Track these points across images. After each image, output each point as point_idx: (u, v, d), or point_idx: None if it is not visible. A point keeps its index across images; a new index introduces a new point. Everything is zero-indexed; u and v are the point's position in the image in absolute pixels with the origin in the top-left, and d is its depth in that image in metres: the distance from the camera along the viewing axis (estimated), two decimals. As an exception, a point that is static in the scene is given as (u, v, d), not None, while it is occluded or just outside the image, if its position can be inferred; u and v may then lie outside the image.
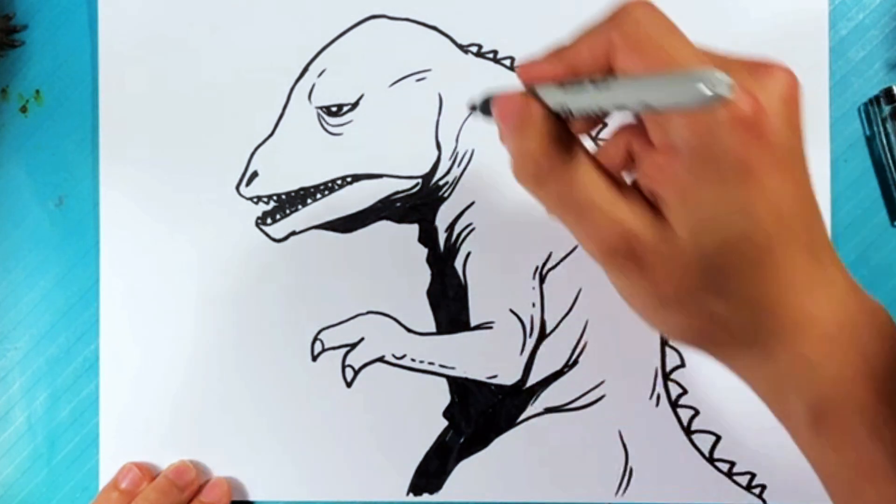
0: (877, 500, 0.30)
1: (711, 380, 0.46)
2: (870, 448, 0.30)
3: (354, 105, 0.47)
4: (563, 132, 0.30)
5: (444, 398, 0.47)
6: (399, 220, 0.47)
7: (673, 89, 0.26)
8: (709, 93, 0.25)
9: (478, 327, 0.47)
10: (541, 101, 0.30)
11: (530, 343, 0.46)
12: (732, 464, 0.46)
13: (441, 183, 0.47)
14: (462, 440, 0.47)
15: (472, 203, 0.47)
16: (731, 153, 0.27)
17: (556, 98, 0.29)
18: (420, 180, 0.47)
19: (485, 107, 0.32)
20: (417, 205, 0.47)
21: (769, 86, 0.28)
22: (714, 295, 0.29)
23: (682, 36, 0.29)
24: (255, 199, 0.47)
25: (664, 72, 0.27)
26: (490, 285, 0.46)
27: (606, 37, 0.29)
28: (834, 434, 0.30)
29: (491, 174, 0.46)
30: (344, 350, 0.47)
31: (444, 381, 0.47)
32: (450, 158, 0.46)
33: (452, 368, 0.47)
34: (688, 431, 0.46)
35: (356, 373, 0.47)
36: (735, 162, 0.28)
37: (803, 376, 0.30)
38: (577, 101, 0.29)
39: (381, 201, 0.47)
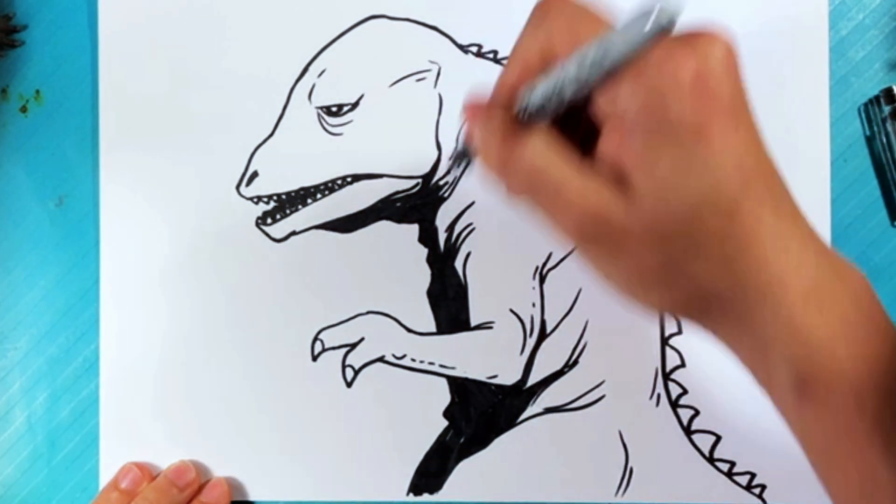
0: (855, 471, 0.30)
1: (711, 380, 0.46)
2: (853, 416, 0.29)
3: (354, 105, 0.47)
4: (522, 125, 0.31)
5: (444, 398, 0.47)
6: (399, 220, 0.47)
7: (617, 42, 0.27)
8: (654, 24, 0.26)
9: (478, 327, 0.47)
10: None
11: (530, 343, 0.46)
12: (732, 464, 0.46)
13: (441, 183, 0.47)
14: (462, 440, 0.47)
15: (472, 203, 0.47)
16: (682, 115, 0.28)
17: (518, 102, 0.31)
18: (420, 180, 0.47)
19: (461, 153, 0.35)
20: (417, 205, 0.47)
21: (708, 50, 0.29)
22: (690, 261, 0.29)
23: (606, 11, 0.30)
24: (255, 199, 0.47)
25: (602, 37, 0.28)
26: (490, 285, 0.46)
27: (542, 33, 0.31)
28: (817, 400, 0.30)
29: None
30: (344, 350, 0.47)
31: (444, 381, 0.47)
32: (450, 158, 0.46)
33: (452, 368, 0.47)
34: (688, 431, 0.46)
35: (356, 373, 0.47)
36: (688, 123, 0.28)
37: (787, 337, 0.30)
38: (534, 93, 0.30)
39: (381, 201, 0.47)
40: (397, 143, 0.46)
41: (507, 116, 0.31)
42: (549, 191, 0.30)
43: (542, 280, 0.46)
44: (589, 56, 0.28)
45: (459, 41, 0.47)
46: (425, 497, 0.46)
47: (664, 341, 0.46)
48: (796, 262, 0.29)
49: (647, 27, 0.26)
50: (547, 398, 0.46)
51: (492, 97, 0.32)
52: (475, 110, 0.32)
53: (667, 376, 0.46)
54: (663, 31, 0.26)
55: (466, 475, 0.46)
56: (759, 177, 0.29)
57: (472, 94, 0.33)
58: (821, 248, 0.30)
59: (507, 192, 0.32)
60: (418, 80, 0.47)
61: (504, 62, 0.46)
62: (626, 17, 0.28)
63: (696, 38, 0.29)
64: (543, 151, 0.30)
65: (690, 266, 0.30)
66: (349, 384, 0.47)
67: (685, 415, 0.46)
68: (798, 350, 0.29)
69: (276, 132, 0.47)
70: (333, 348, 0.47)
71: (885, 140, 0.45)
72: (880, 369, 0.29)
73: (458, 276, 0.47)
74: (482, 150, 0.32)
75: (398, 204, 0.47)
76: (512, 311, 0.46)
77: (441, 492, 0.46)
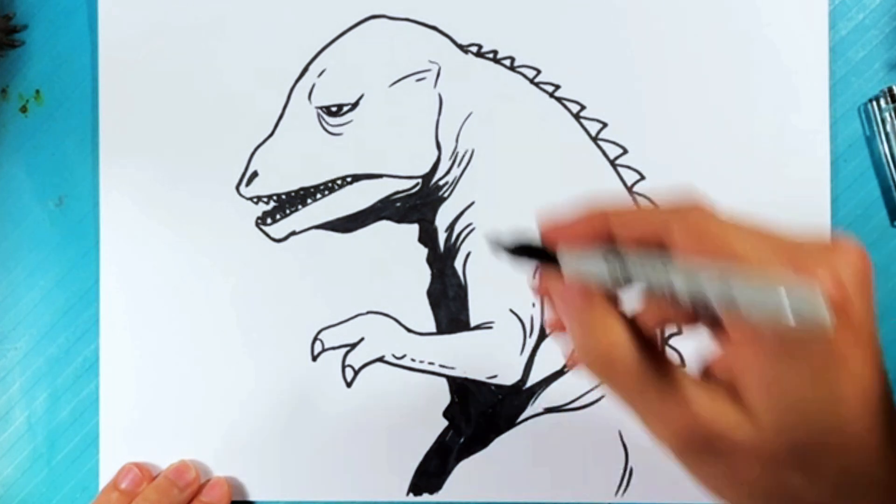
0: None
1: (711, 380, 0.46)
2: None
3: (354, 105, 0.47)
4: (635, 328, 0.29)
5: (444, 398, 0.47)
6: (399, 220, 0.47)
7: (758, 295, 0.25)
8: (803, 314, 0.24)
9: (478, 327, 0.47)
10: (591, 279, 0.28)
11: (530, 343, 0.46)
12: (732, 464, 0.46)
13: (441, 183, 0.47)
14: (462, 440, 0.47)
15: (472, 203, 0.47)
16: (819, 339, 0.26)
17: (598, 268, 0.28)
18: (420, 180, 0.47)
19: (515, 249, 0.30)
20: (417, 205, 0.47)
21: (844, 266, 0.27)
22: (798, 473, 0.28)
23: (747, 227, 0.28)
24: (255, 199, 0.47)
25: (747, 268, 0.26)
26: (490, 285, 0.46)
27: (662, 217, 0.28)
28: None
29: (491, 174, 0.46)
30: (344, 350, 0.47)
31: (444, 381, 0.47)
32: (450, 158, 0.46)
33: (452, 368, 0.46)
34: (688, 431, 0.46)
35: (356, 373, 0.47)
36: (823, 347, 0.27)
37: None
38: (642, 273, 0.27)
39: (381, 201, 0.47)
40: (397, 143, 0.46)
41: (618, 322, 0.29)
42: (659, 397, 0.29)
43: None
44: (724, 287, 0.26)
45: (459, 41, 0.47)
46: (425, 497, 0.46)
47: (664, 341, 0.46)
48: None
49: (804, 316, 0.24)
50: (547, 398, 0.46)
51: (589, 300, 0.29)
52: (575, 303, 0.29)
53: (667, 376, 0.46)
54: (816, 324, 0.24)
55: (466, 475, 0.46)
56: (880, 404, 0.28)
57: (550, 223, 0.30)
58: None
59: (611, 392, 0.30)
60: (418, 80, 0.47)
61: (504, 62, 0.46)
62: (760, 265, 0.26)
63: (831, 249, 0.28)
64: (668, 363, 0.28)
65: (797, 476, 0.28)
66: (349, 384, 0.47)
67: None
68: None
69: (276, 132, 0.47)
70: (333, 348, 0.47)
71: (885, 140, 0.45)
72: None
73: (458, 276, 0.47)
74: (592, 356, 0.29)
75: (398, 204, 0.47)
76: (512, 311, 0.46)
77: (441, 492, 0.46)
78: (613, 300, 0.29)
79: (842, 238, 0.28)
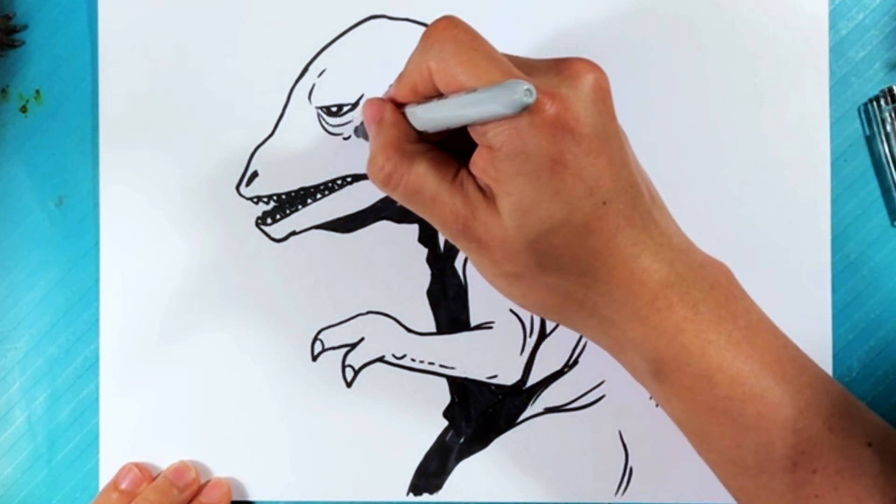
0: (721, 440, 0.35)
1: (711, 380, 0.46)
2: (705, 393, 0.34)
3: (354, 105, 0.47)
4: (411, 136, 0.36)
5: (444, 398, 0.47)
6: (399, 220, 0.47)
7: (484, 105, 0.31)
8: (515, 102, 0.30)
9: (478, 327, 0.47)
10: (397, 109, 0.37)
11: (530, 343, 0.46)
12: (732, 464, 0.46)
13: (441, 183, 0.47)
14: (462, 440, 0.47)
15: (472, 203, 0.46)
16: (539, 151, 0.32)
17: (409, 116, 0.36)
18: (420, 180, 0.47)
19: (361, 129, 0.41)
20: (417, 205, 0.47)
21: (574, 81, 0.33)
22: (549, 272, 0.34)
23: (486, 50, 0.33)
24: (255, 199, 0.47)
25: (474, 89, 0.32)
26: (490, 285, 0.46)
27: (425, 65, 0.34)
28: (673, 383, 0.34)
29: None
30: (344, 350, 0.47)
31: (444, 381, 0.47)
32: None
33: (452, 368, 0.47)
34: (688, 431, 0.46)
35: (356, 373, 0.47)
36: (544, 157, 0.32)
37: (639, 334, 0.34)
38: (416, 117, 0.36)
39: (381, 201, 0.47)
40: (397, 143, 0.46)
41: (395, 134, 0.36)
42: (424, 203, 0.35)
43: (542, 280, 0.46)
44: (461, 105, 0.32)
45: (459, 41, 0.47)
46: (425, 497, 0.46)
47: (664, 341, 0.46)
48: (649, 267, 0.33)
49: (516, 103, 0.30)
50: (547, 398, 0.46)
51: (381, 111, 0.37)
52: (373, 115, 0.37)
53: (667, 376, 0.46)
54: (527, 106, 0.30)
55: (466, 475, 0.46)
56: (618, 196, 0.33)
57: (372, 99, 0.38)
58: (680, 247, 0.35)
59: (390, 194, 0.37)
60: (418, 80, 0.47)
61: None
62: (493, 81, 0.32)
63: (562, 68, 0.33)
64: (423, 173, 0.35)
65: (549, 276, 0.34)
66: (349, 384, 0.47)
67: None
68: (649, 343, 0.34)
69: (276, 132, 0.47)
70: (333, 348, 0.47)
71: (885, 140, 0.45)
72: (732, 348, 0.34)
73: (458, 276, 0.47)
74: (371, 162, 0.36)
75: (398, 204, 0.47)
76: (512, 311, 0.46)
77: (441, 492, 0.46)
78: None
79: (576, 60, 0.33)
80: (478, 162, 0.34)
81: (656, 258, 0.34)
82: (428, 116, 0.35)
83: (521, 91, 0.29)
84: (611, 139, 0.33)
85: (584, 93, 0.32)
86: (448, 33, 0.34)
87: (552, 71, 0.33)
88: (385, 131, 0.36)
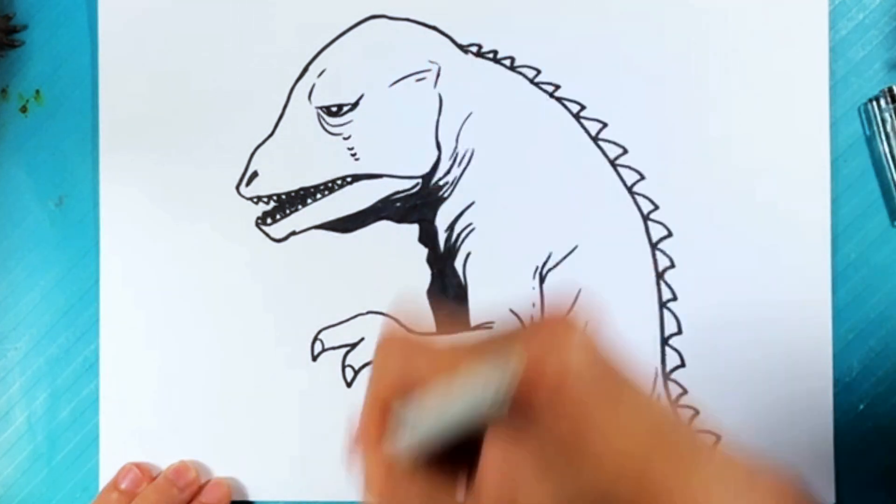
0: None
1: (711, 380, 0.46)
2: None
3: (354, 105, 0.47)
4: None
5: (444, 398, 0.47)
6: (399, 220, 0.47)
7: (461, 408, 0.25)
8: (502, 375, 0.24)
9: (478, 327, 0.47)
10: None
11: (530, 343, 0.46)
12: (732, 464, 0.46)
13: (441, 183, 0.47)
14: (462, 440, 0.46)
15: (472, 203, 0.47)
16: (553, 428, 0.26)
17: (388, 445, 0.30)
18: (420, 180, 0.47)
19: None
20: (417, 205, 0.47)
21: (562, 345, 0.26)
22: None
23: (435, 348, 0.28)
24: (255, 199, 0.47)
25: (441, 391, 0.26)
26: (490, 285, 0.46)
27: (391, 378, 0.29)
28: None
29: (491, 174, 0.46)
30: (344, 350, 0.47)
31: (444, 381, 0.46)
32: (450, 158, 0.46)
33: (452, 368, 0.46)
34: (688, 431, 0.46)
35: (356, 373, 0.47)
36: (560, 433, 0.26)
37: None
38: (398, 442, 0.28)
39: (381, 201, 0.47)
40: (397, 143, 0.46)
41: (383, 459, 0.30)
42: None
43: (542, 280, 0.46)
44: (434, 419, 0.27)
45: (459, 41, 0.47)
46: (425, 497, 0.46)
47: (664, 341, 0.46)
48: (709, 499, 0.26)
49: (486, 410, 0.25)
50: (547, 398, 0.46)
51: (364, 436, 0.31)
52: (359, 445, 0.32)
53: (667, 376, 0.46)
54: (499, 408, 0.25)
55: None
56: (655, 441, 0.27)
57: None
58: (738, 474, 0.28)
59: None
60: (418, 80, 0.47)
61: (504, 62, 0.46)
62: (463, 389, 0.26)
63: (535, 331, 0.27)
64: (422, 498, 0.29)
65: None
66: (349, 384, 0.47)
67: (685, 415, 0.46)
68: None
69: (276, 132, 0.47)
70: (333, 348, 0.47)
71: (885, 140, 0.45)
72: None
73: (458, 276, 0.47)
74: (366, 490, 0.31)
75: (398, 204, 0.47)
76: (512, 311, 0.46)
77: (441, 492, 0.46)
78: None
79: (548, 313, 0.27)
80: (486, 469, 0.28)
81: (718, 490, 0.27)
82: (407, 435, 0.29)
83: (501, 371, 0.24)
84: (624, 385, 0.27)
85: (575, 352, 0.26)
86: (392, 345, 0.30)
87: (521, 336, 0.27)
88: (372, 462, 0.31)
